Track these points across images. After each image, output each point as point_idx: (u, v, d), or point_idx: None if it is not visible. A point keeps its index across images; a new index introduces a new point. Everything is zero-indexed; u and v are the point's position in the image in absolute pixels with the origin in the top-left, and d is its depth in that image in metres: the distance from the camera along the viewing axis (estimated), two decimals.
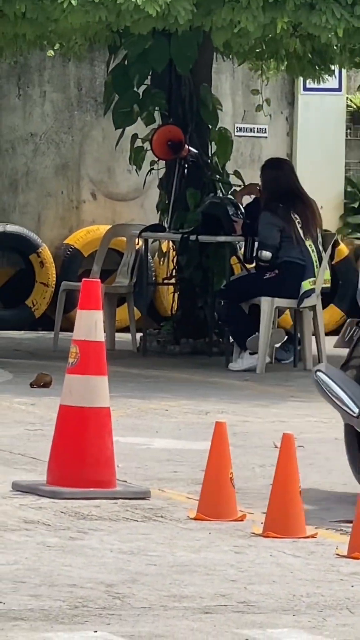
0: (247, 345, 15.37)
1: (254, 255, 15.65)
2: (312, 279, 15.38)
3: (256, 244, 15.73)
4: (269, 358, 15.53)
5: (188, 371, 15.39)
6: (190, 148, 15.67)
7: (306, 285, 15.39)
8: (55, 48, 18.29)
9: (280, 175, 15.51)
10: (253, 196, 15.72)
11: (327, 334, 16.45)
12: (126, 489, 8.80)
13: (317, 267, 15.44)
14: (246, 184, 16.10)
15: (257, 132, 19.30)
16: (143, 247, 16.02)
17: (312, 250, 15.40)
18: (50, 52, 18.73)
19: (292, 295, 15.29)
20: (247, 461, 10.12)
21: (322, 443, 11.16)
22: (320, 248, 15.55)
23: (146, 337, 16.19)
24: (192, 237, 15.56)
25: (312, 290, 15.41)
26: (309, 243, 15.19)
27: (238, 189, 16.22)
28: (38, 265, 18.67)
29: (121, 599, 6.57)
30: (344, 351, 10.77)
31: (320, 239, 15.67)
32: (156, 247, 17.13)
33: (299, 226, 15.17)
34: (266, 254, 15.50)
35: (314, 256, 15.44)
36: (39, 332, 18.08)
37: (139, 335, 16.36)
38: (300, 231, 15.21)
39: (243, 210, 15.50)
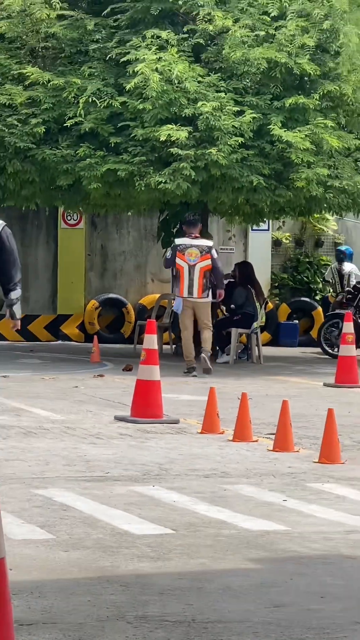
0: None
1: None
2: None
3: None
4: None
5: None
6: None
7: None
8: None
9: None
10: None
11: None
12: (167, 418, 9.76)
13: None
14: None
15: (229, 250, 19.89)
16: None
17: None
18: None
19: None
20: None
21: None
22: None
23: (177, 345, 16.12)
24: None
25: None
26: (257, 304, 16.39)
27: None
28: (126, 312, 19.80)
29: (166, 470, 7.38)
30: None
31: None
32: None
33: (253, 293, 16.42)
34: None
35: None
36: (126, 344, 18.85)
37: (174, 346, 16.79)
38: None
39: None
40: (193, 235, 14.59)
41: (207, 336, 14.30)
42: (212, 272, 14.38)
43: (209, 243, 14.79)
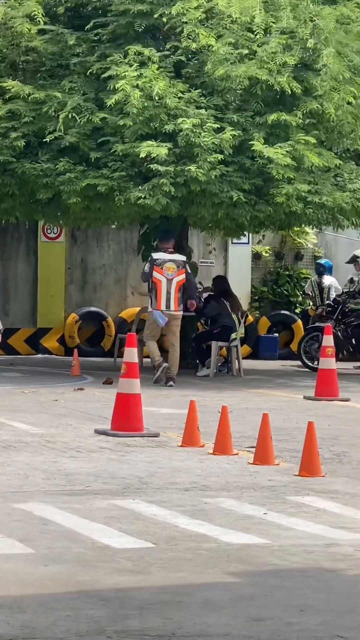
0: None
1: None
2: None
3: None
4: None
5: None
6: None
7: None
8: None
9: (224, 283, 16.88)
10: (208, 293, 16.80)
11: None
12: (148, 431, 9.84)
13: None
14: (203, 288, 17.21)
15: (209, 264, 20.26)
16: None
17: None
18: None
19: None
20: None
21: None
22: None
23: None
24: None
25: None
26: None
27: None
28: (106, 326, 19.80)
29: (146, 484, 7.49)
30: None
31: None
32: None
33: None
34: None
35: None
36: (107, 358, 18.82)
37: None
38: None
39: (202, 300, 16.65)
40: (169, 250, 14.85)
41: (175, 358, 14.78)
42: (186, 284, 14.85)
43: (184, 258, 15.14)
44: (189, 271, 14.97)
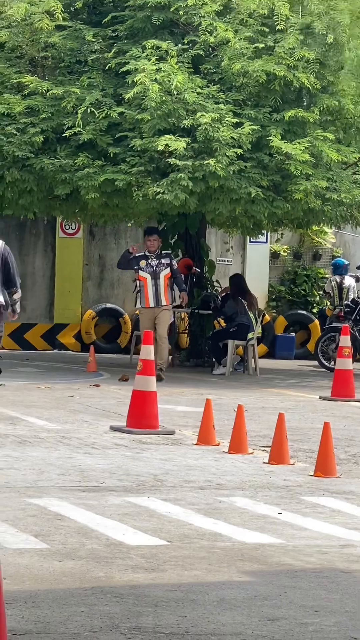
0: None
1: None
2: None
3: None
4: None
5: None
6: (196, 269, 16.84)
7: None
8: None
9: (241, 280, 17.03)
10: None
11: None
12: (163, 429, 9.94)
13: None
14: (222, 287, 17.48)
15: (226, 262, 20.49)
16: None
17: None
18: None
19: None
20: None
21: None
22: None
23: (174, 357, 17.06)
24: (196, 311, 17.10)
25: None
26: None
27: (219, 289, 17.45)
28: (123, 322, 20.04)
29: (161, 482, 7.56)
30: None
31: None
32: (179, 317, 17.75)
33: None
34: None
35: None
36: (123, 354, 19.21)
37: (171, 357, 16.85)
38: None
39: (220, 298, 16.95)
40: None
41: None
42: None
43: None
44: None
